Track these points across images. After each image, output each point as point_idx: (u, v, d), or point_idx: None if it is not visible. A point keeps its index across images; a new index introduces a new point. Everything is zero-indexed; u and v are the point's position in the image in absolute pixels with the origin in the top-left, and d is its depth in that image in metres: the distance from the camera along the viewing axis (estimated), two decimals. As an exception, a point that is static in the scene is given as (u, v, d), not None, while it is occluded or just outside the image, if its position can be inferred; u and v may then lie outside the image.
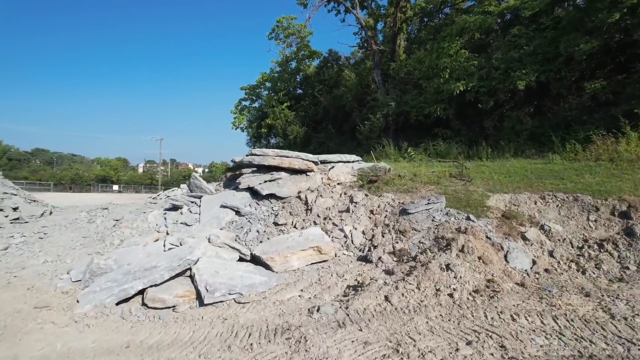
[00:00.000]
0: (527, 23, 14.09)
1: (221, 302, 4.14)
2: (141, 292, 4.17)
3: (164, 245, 5.75)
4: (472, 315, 3.87)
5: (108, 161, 66.55)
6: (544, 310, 3.98)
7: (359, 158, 11.31)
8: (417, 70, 17.73)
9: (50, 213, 12.29)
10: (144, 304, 4.06)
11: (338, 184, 9.14)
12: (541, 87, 12.08)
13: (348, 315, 3.79)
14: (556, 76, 11.66)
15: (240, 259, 5.78)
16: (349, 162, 10.72)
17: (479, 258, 5.28)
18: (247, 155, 9.47)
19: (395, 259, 5.73)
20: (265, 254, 5.54)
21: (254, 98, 30.85)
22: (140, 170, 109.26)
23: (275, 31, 27.75)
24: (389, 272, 5.11)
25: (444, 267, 4.89)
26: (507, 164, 10.59)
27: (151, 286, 4.12)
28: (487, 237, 6.00)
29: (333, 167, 9.99)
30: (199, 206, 9.12)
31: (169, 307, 4.04)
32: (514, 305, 4.13)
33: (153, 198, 29.64)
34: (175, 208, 9.68)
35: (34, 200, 12.85)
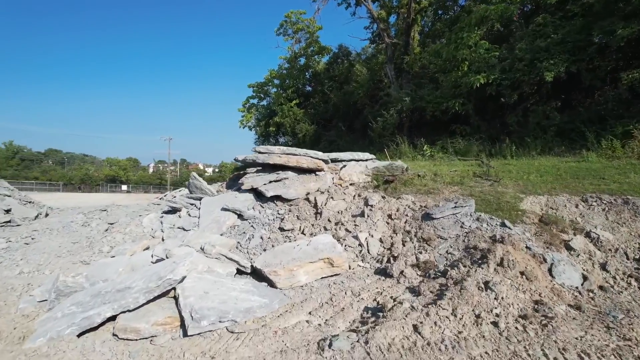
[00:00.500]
0: (553, 11, 13.09)
1: (210, 331, 3.35)
2: (113, 318, 3.40)
3: (152, 256, 4.98)
4: (528, 354, 3.02)
5: (117, 161, 66.48)
6: (620, 347, 3.11)
7: (372, 156, 10.48)
8: (432, 64, 16.80)
9: (47, 215, 11.67)
10: (114, 335, 3.28)
11: (350, 184, 8.32)
12: (571, 79, 11.10)
13: (369, 354, 2.97)
14: (588, 66, 10.67)
15: (239, 271, 5.00)
16: (362, 160, 9.92)
17: (521, 273, 4.41)
18: (250, 154, 8.69)
19: (420, 273, 4.88)
20: (268, 267, 4.74)
21: (262, 96, 30.13)
22: (151, 170, 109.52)
23: (284, 26, 26.99)
24: (415, 292, 4.26)
25: (482, 285, 4.04)
26: (535, 162, 9.69)
27: (124, 312, 3.34)
28: (526, 247, 5.13)
29: (345, 166, 9.18)
30: (199, 209, 8.38)
31: (145, 338, 3.26)
32: (576, 339, 3.26)
33: (160, 198, 29.09)
34: (173, 211, 8.96)
35: (30, 202, 12.25)
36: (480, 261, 4.66)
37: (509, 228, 5.53)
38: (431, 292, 4.17)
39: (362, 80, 19.28)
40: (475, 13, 13.48)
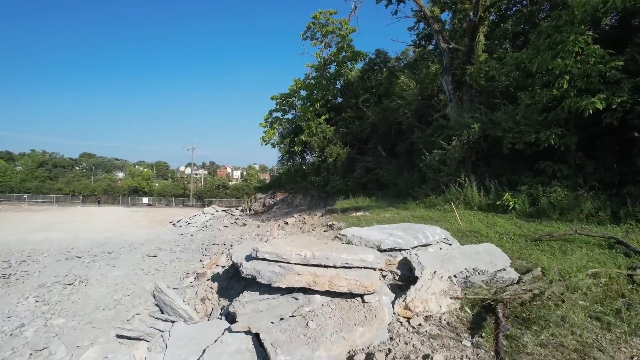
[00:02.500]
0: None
1: None
2: None
3: None
4: None
5: (140, 171, 65.01)
6: None
7: (444, 234, 6.82)
8: (503, 75, 12.83)
9: (-12, 298, 8.58)
10: None
11: (426, 317, 4.65)
12: None
13: None
14: None
15: None
16: (429, 244, 6.30)
17: None
18: (249, 259, 5.15)
19: None
20: None
21: (287, 109, 26.62)
22: (182, 169, 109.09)
23: (311, 29, 23.52)
24: None
25: None
26: None
27: None
28: None
29: (406, 262, 5.60)
30: (166, 345, 4.94)
31: None
32: None
33: (172, 224, 25.91)
34: (132, 338, 5.57)
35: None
36: None
37: None
38: None
39: (410, 96, 15.34)
40: (579, 4, 9.41)
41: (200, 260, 11.47)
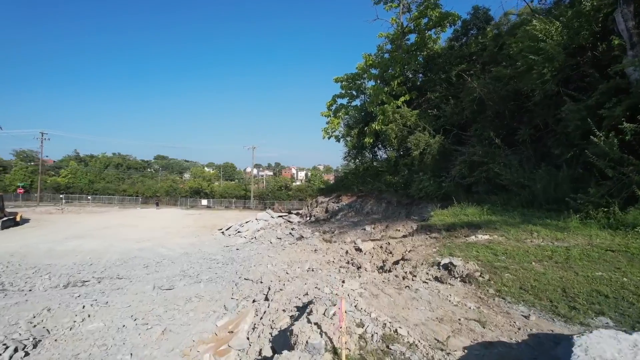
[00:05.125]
0: None
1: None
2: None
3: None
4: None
5: (201, 172, 63.97)
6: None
7: None
8: None
9: None
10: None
11: None
12: None
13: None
14: None
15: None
16: None
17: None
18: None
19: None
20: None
21: (354, 93, 21.80)
22: (248, 170, 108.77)
23: (386, -12, 18.70)
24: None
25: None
26: None
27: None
28: None
29: None
30: None
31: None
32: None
33: (221, 231, 22.34)
34: None
35: None
36: None
37: None
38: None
39: (552, 49, 9.58)
40: None
41: (224, 307, 7.29)
